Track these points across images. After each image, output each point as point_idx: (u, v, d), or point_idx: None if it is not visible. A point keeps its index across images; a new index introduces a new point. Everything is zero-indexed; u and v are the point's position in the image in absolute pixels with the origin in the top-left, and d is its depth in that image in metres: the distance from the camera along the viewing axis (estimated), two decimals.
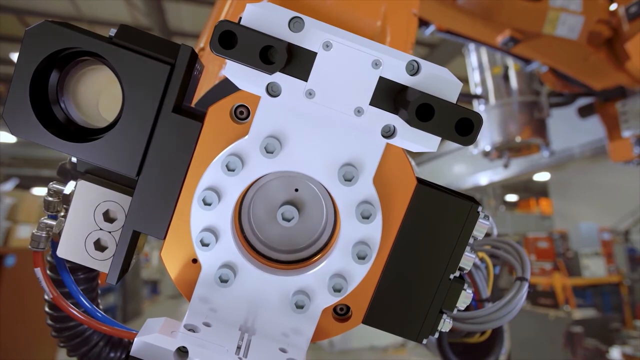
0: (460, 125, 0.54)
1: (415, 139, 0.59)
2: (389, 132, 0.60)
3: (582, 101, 3.96)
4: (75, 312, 0.68)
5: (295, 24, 0.55)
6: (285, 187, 0.68)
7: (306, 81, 0.57)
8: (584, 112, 3.99)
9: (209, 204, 0.62)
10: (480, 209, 0.65)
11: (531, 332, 6.46)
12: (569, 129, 6.57)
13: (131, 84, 0.60)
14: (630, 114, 3.48)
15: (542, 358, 6.33)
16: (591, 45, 2.90)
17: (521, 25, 2.73)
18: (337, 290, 0.64)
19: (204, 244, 0.63)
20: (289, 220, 0.66)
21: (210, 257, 0.64)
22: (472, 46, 4.94)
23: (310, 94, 0.58)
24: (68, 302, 0.69)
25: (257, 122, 0.61)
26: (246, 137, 0.61)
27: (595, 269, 7.45)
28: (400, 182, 0.65)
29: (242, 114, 0.63)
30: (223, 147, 0.61)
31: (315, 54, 0.56)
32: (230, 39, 0.52)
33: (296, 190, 0.68)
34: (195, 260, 0.66)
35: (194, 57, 0.62)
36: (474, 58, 4.98)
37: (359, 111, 0.58)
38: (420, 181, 0.66)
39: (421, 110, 0.54)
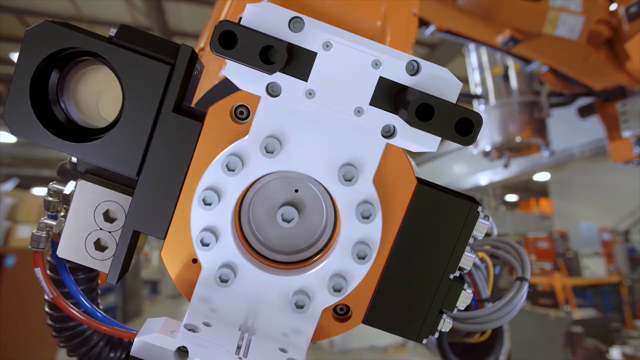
0: (460, 125, 0.54)
1: (415, 139, 0.59)
2: (389, 132, 0.60)
3: (582, 101, 3.96)
4: (75, 312, 0.68)
5: (295, 24, 0.55)
6: (285, 187, 0.68)
7: (306, 81, 0.57)
8: (584, 112, 3.99)
9: (209, 204, 0.62)
10: (480, 209, 0.65)
11: (531, 332, 6.46)
12: (569, 129, 6.57)
13: (131, 84, 0.60)
14: (630, 114, 3.48)
15: (542, 358, 6.32)
16: (591, 45, 2.89)
17: (521, 25, 2.73)
18: (337, 290, 0.64)
19: (204, 244, 0.63)
20: (288, 221, 0.66)
21: (210, 257, 0.64)
22: (472, 46, 4.94)
23: (310, 94, 0.58)
24: (68, 302, 0.69)
25: (257, 122, 0.61)
26: (246, 137, 0.61)
27: (595, 269, 7.45)
28: (400, 182, 0.65)
29: (242, 114, 0.63)
30: (223, 147, 0.61)
31: (315, 54, 0.56)
32: (230, 39, 0.52)
33: (296, 191, 0.68)
34: (195, 260, 0.66)
35: (194, 57, 0.62)
36: (474, 58, 4.97)
37: (359, 111, 0.58)
38: (420, 181, 0.66)
39: (421, 110, 0.54)
